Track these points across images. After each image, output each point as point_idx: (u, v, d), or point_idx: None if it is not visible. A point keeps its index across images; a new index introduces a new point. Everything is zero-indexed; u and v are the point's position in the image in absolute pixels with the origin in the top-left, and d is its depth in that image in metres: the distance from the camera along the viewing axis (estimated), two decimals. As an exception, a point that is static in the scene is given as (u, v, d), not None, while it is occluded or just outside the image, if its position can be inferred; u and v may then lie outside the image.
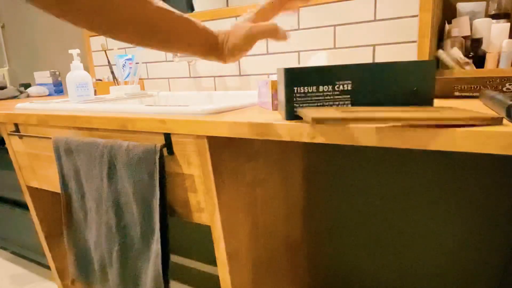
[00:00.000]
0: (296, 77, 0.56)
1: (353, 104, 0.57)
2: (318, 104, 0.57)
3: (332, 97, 0.57)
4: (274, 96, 0.70)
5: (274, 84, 0.69)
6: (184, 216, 0.80)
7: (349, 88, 0.57)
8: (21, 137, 1.06)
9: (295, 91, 0.56)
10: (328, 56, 0.97)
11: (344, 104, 0.57)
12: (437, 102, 0.68)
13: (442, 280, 1.00)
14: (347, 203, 1.08)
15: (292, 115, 0.57)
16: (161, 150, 0.73)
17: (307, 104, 0.57)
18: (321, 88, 0.56)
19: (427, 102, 0.58)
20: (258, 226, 0.87)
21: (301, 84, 0.56)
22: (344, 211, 1.10)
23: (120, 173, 0.80)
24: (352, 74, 0.56)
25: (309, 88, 0.56)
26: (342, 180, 1.07)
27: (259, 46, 1.15)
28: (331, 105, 0.57)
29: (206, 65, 1.29)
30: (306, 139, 0.55)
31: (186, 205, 0.78)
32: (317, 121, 0.49)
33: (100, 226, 0.89)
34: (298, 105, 0.57)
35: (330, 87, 0.56)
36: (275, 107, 0.70)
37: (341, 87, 0.56)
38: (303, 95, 0.56)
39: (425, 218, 0.98)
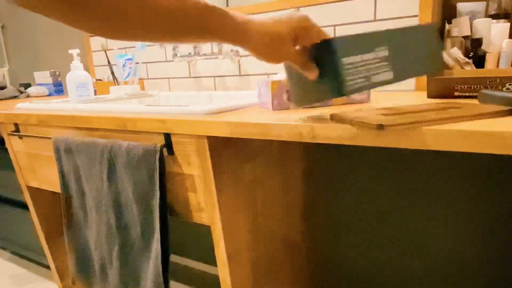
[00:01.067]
0: (344, 46, 0.49)
1: (397, 72, 0.53)
2: (365, 74, 0.51)
3: (374, 65, 0.52)
4: (275, 96, 0.70)
5: (274, 84, 0.69)
6: (184, 216, 0.80)
7: (386, 54, 0.52)
8: (21, 137, 1.06)
9: (344, 63, 0.49)
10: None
11: (385, 72, 0.53)
12: (437, 101, 0.68)
13: (443, 280, 1.00)
14: (347, 203, 1.08)
15: (343, 90, 0.50)
16: (161, 150, 0.73)
17: (355, 77, 0.50)
18: (365, 56, 0.51)
19: (440, 68, 0.57)
20: (258, 226, 0.87)
21: (348, 53, 0.49)
22: (344, 211, 1.09)
23: (120, 173, 0.80)
24: (387, 39, 0.52)
25: (355, 57, 0.50)
26: (342, 180, 1.07)
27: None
28: (369, 76, 0.52)
29: (206, 65, 1.29)
30: (306, 139, 0.55)
31: (186, 205, 0.78)
32: (381, 127, 0.47)
33: (100, 226, 0.89)
34: (347, 79, 0.50)
35: (372, 54, 0.51)
36: (275, 107, 0.70)
37: (379, 54, 0.52)
38: (350, 66, 0.50)
39: (425, 218, 0.98)
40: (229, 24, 0.47)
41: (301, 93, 0.58)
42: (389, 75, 0.53)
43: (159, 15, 0.42)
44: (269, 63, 0.51)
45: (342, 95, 0.50)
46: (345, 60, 0.49)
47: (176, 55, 1.21)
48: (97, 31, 0.42)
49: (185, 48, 1.27)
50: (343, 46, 0.49)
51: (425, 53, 0.56)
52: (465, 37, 0.79)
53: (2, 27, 2.01)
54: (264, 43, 0.49)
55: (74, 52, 1.13)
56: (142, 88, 1.45)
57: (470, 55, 0.78)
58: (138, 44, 1.20)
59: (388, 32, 0.53)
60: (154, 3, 0.41)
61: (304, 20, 0.49)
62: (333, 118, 0.55)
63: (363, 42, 0.50)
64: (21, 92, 1.67)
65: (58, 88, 1.70)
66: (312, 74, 0.52)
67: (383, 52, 0.52)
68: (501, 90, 0.65)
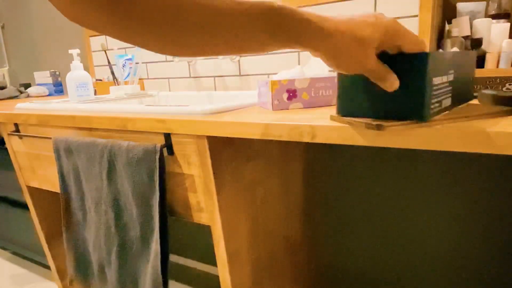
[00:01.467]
0: (434, 64, 0.43)
1: (452, 99, 0.49)
2: (440, 99, 0.46)
3: (445, 89, 0.48)
4: (275, 96, 0.69)
5: (274, 84, 0.69)
6: (184, 216, 0.80)
7: (451, 79, 0.49)
8: (21, 137, 1.06)
9: (433, 82, 0.44)
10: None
11: (448, 97, 0.49)
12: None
13: (442, 280, 1.00)
14: (347, 203, 1.08)
15: (424, 114, 0.44)
16: (161, 150, 0.73)
17: (434, 100, 0.45)
18: (444, 78, 0.47)
19: (472, 95, 0.55)
20: (258, 226, 0.87)
21: (436, 73, 0.44)
22: (344, 211, 1.09)
23: (120, 173, 0.80)
24: (454, 62, 0.48)
25: (440, 78, 0.45)
26: (342, 180, 1.07)
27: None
28: (441, 101, 0.48)
29: (206, 65, 1.29)
30: (306, 139, 0.55)
31: (186, 205, 0.78)
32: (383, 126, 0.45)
33: (100, 226, 0.89)
34: (432, 101, 0.44)
35: (446, 77, 0.47)
36: (275, 107, 0.70)
37: (449, 77, 0.48)
38: (435, 88, 0.44)
39: (425, 218, 0.98)
40: (304, 24, 0.39)
41: (354, 102, 0.49)
42: (449, 101, 0.49)
43: (219, 19, 0.35)
44: (341, 70, 0.43)
45: (421, 119, 0.44)
46: (435, 80, 0.44)
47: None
48: (149, 45, 0.36)
49: (185, 48, 1.27)
50: (434, 64, 0.43)
51: (467, 80, 0.53)
52: (465, 37, 0.79)
53: (2, 27, 2.01)
54: (345, 48, 0.40)
55: (74, 52, 1.13)
56: (142, 88, 1.45)
57: (470, 55, 0.78)
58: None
59: (455, 54, 0.50)
60: (213, 6, 0.35)
61: (395, 24, 0.41)
62: (333, 118, 0.55)
63: (446, 62, 0.46)
64: (21, 92, 1.67)
65: (58, 88, 1.70)
66: (391, 87, 0.44)
67: (451, 75, 0.48)
68: (501, 90, 0.65)
